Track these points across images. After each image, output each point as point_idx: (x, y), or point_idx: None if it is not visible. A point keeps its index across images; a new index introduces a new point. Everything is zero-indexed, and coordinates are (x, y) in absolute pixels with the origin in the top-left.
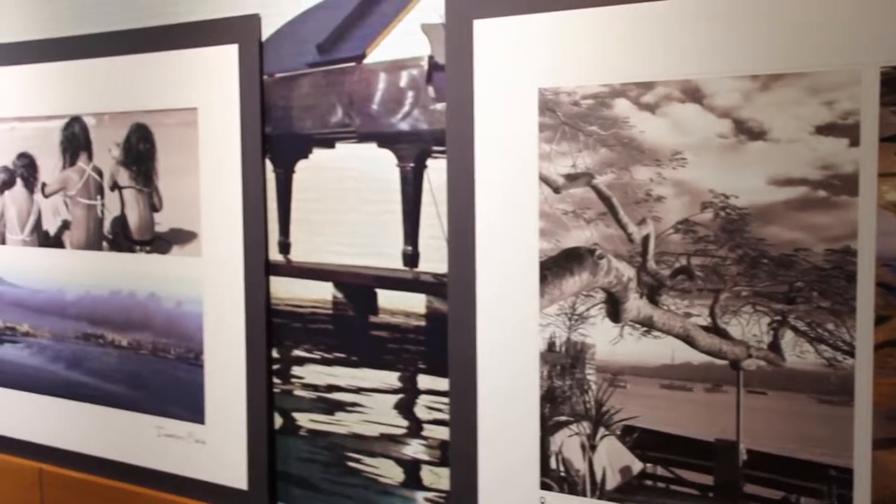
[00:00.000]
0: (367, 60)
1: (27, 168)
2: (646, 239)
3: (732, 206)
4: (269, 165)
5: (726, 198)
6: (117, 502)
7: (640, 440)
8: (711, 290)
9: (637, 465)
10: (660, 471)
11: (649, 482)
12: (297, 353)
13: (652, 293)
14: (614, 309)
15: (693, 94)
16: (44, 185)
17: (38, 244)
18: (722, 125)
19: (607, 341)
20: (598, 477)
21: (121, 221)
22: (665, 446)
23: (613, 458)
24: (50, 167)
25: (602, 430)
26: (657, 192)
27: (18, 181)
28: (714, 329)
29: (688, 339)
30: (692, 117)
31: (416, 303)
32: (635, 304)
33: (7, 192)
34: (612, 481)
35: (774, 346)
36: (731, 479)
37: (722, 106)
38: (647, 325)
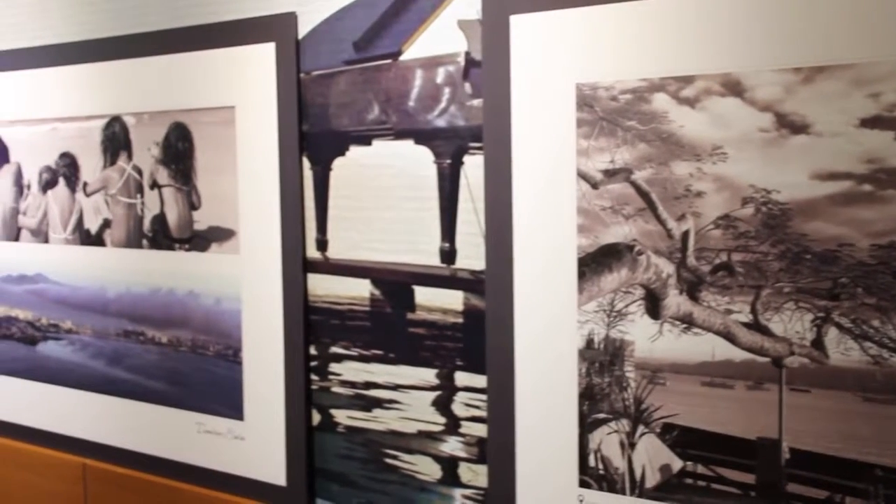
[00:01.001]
0: (403, 57)
1: (69, 167)
2: (685, 235)
3: (774, 202)
4: (306, 163)
5: (768, 193)
6: (158, 497)
7: (680, 438)
8: (753, 287)
9: (677, 464)
10: (700, 469)
11: (689, 480)
12: (335, 349)
13: (692, 289)
14: (653, 305)
15: (733, 87)
16: (85, 184)
17: (80, 242)
18: (763, 119)
19: (646, 338)
20: (638, 475)
21: (160, 219)
22: (705, 444)
23: (653, 456)
24: (91, 166)
25: (641, 428)
26: (697, 188)
27: (61, 181)
28: (755, 326)
29: (728, 336)
30: (733, 111)
31: (453, 300)
32: (675, 301)
33: (50, 192)
34: (652, 479)
35: (818, 344)
36: (773, 478)
37: (763, 99)
38: (687, 322)
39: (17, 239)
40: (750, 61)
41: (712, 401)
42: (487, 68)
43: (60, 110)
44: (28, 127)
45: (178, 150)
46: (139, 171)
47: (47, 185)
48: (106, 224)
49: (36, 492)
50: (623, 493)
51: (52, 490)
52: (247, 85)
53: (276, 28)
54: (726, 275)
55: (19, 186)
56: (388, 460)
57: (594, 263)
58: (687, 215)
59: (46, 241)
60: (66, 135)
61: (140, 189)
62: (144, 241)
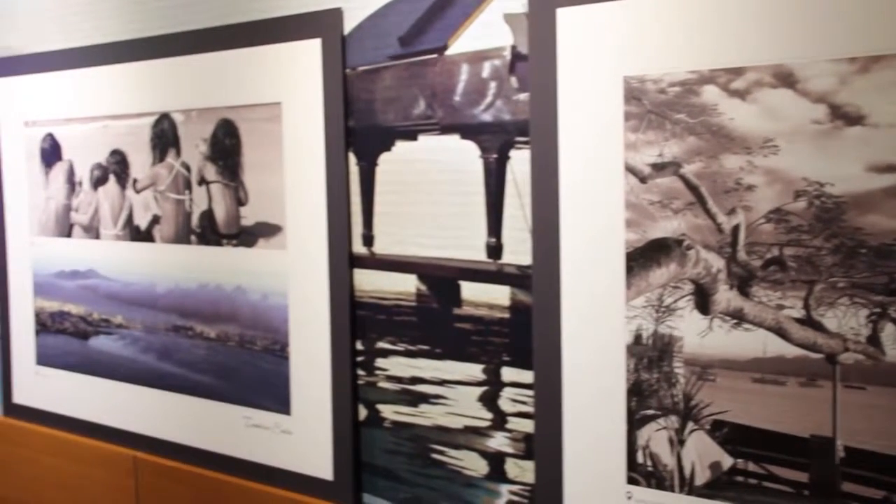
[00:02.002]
0: (449, 52)
1: (119, 165)
2: (736, 229)
3: (828, 195)
4: (352, 158)
5: (821, 186)
6: (207, 490)
7: (731, 435)
8: (805, 282)
9: (727, 461)
10: (751, 467)
11: (740, 478)
12: (381, 345)
13: (742, 284)
14: (703, 301)
15: (786, 78)
16: (135, 180)
17: (130, 238)
18: (816, 110)
19: (696, 334)
20: (687, 472)
21: (208, 215)
22: (757, 442)
23: (703, 453)
24: (140, 163)
25: (691, 425)
26: (748, 181)
27: (111, 177)
28: (808, 321)
29: (780, 332)
30: (785, 103)
31: (499, 295)
32: (725, 296)
33: (101, 189)
34: (702, 477)
35: (874, 340)
36: (827, 477)
37: (816, 90)
38: (738, 318)
39: (69, 235)
40: (803, 51)
41: (764, 398)
42: (534, 62)
43: (111, 108)
44: (80, 125)
45: (226, 146)
46: (187, 168)
47: (98, 182)
48: (155, 220)
49: (89, 483)
50: (672, 490)
51: (104, 482)
52: (293, 81)
53: (321, 24)
54: (778, 269)
55: (71, 183)
56: (435, 455)
57: (642, 258)
58: (737, 209)
59: (97, 237)
60: (117, 132)
61: (188, 185)
62: (193, 237)
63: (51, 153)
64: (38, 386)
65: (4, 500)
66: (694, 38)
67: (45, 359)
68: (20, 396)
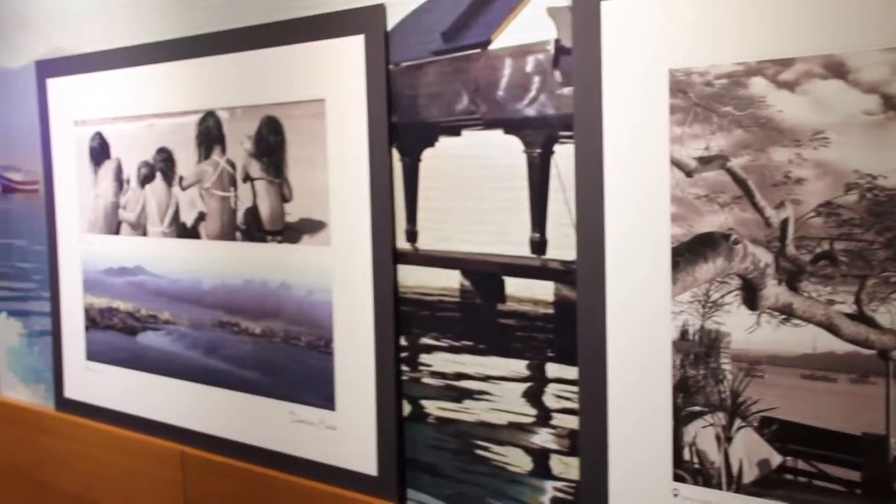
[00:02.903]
0: (492, 46)
1: (166, 162)
2: (784, 223)
3: (880, 187)
4: (395, 154)
5: (873, 178)
6: (253, 485)
7: (780, 432)
8: (857, 277)
9: (776, 459)
10: (801, 465)
11: (790, 476)
12: (425, 340)
13: (791, 279)
14: (751, 296)
15: (836, 69)
16: (181, 178)
17: (176, 235)
18: (869, 101)
19: (743, 329)
20: (735, 469)
21: (253, 212)
22: (807, 439)
23: (750, 451)
24: (186, 161)
25: (738, 422)
26: (797, 174)
27: (158, 175)
28: (860, 317)
29: (831, 328)
30: (835, 94)
31: (543, 290)
32: (773, 291)
33: (148, 186)
34: (750, 474)
35: None
36: (881, 476)
37: (869, 81)
38: (787, 313)
39: (117, 232)
40: (854, 41)
41: (814, 394)
42: (578, 56)
43: (157, 107)
44: (127, 124)
45: (270, 143)
46: (232, 165)
47: (145, 180)
48: (201, 217)
49: (137, 477)
50: (719, 487)
51: (152, 475)
52: (336, 78)
53: (365, 20)
54: (828, 264)
55: (119, 181)
56: (479, 451)
57: (689, 253)
58: (786, 203)
59: (145, 234)
60: (163, 130)
61: (233, 182)
62: (238, 234)
63: (99, 152)
64: (88, 381)
65: (57, 492)
66: (741, 30)
67: (94, 354)
68: (71, 391)
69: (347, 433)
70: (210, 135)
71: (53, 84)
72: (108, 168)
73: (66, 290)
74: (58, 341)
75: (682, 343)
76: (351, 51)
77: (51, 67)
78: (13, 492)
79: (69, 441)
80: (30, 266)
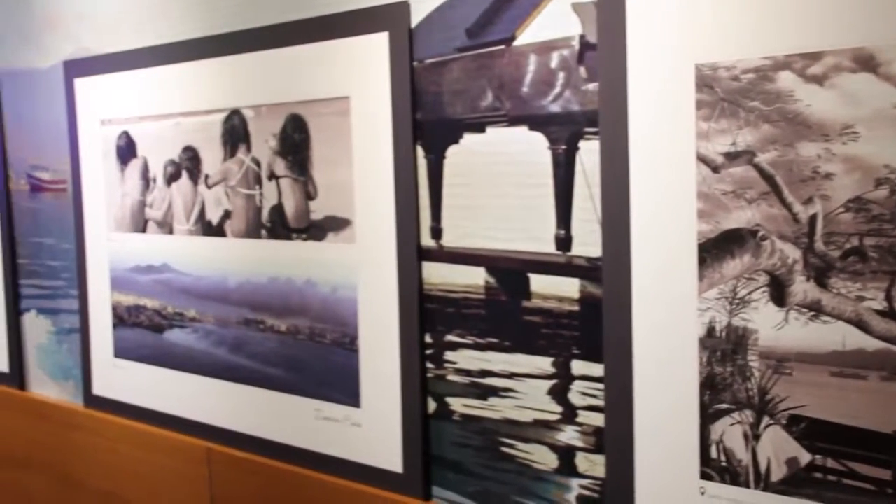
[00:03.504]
0: (516, 43)
1: (191, 161)
2: (813, 218)
3: None
4: (420, 151)
5: None
6: (279, 482)
7: (808, 430)
8: (887, 273)
9: (805, 457)
10: (830, 463)
11: (819, 475)
12: (450, 338)
13: (820, 276)
14: (779, 292)
15: (866, 62)
16: (207, 176)
17: (202, 233)
18: None
19: (771, 326)
20: (763, 468)
21: (278, 210)
22: (836, 437)
23: (779, 449)
24: (212, 159)
25: (766, 419)
26: (825, 169)
27: (184, 173)
28: (890, 314)
29: (860, 325)
30: (865, 88)
31: (569, 287)
32: (801, 288)
33: (174, 184)
34: (778, 473)
35: None
36: None
37: None
38: (815, 310)
39: (144, 230)
40: (884, 34)
41: (843, 392)
42: (603, 51)
43: (183, 105)
44: (153, 123)
45: (295, 141)
46: (258, 163)
47: (171, 178)
48: (226, 215)
49: (164, 473)
50: (747, 485)
51: (178, 471)
52: (361, 75)
53: (389, 17)
54: (858, 260)
55: (146, 180)
56: (504, 449)
57: (715, 249)
58: (814, 198)
59: (171, 232)
60: (189, 129)
61: (258, 180)
62: (263, 232)
63: (126, 151)
64: (116, 378)
65: (85, 488)
66: (768, 23)
67: (122, 351)
68: (99, 388)
69: (372, 430)
70: (235, 133)
71: (81, 84)
72: (134, 167)
73: (93, 288)
74: (86, 339)
75: (709, 340)
76: (375, 48)
77: (78, 67)
78: (44, 487)
79: (97, 437)
80: (58, 264)
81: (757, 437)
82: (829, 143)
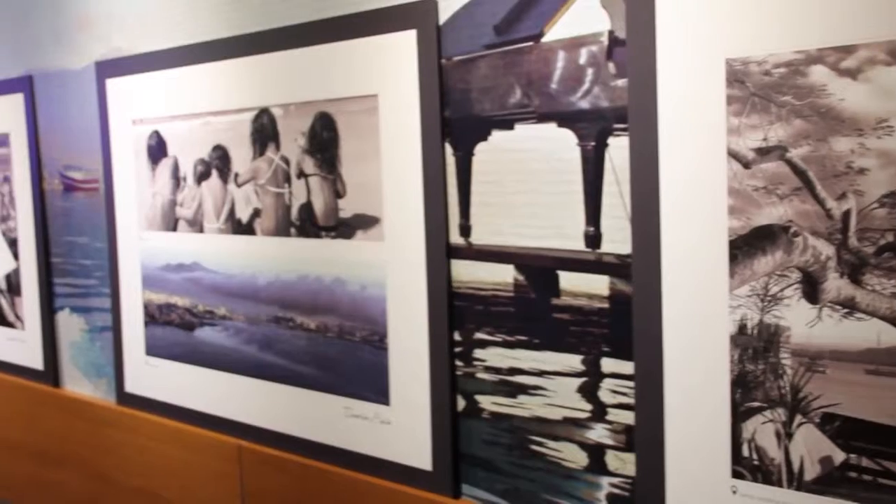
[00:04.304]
0: (545, 39)
1: (221, 159)
2: (846, 214)
3: None
4: (448, 149)
5: None
6: (309, 479)
7: (843, 429)
8: None
9: (839, 456)
10: (865, 462)
11: (853, 474)
12: (479, 335)
13: (854, 272)
14: (811, 289)
15: None
16: (236, 175)
17: (231, 232)
18: None
19: (804, 324)
20: (795, 466)
21: (307, 208)
22: (871, 436)
23: (812, 448)
24: (241, 158)
25: (799, 418)
26: (859, 164)
27: (214, 172)
28: None
29: None
30: None
31: (598, 284)
32: (835, 284)
33: (204, 183)
34: (812, 472)
35: None
36: None
37: None
38: (849, 307)
39: (174, 229)
40: None
41: (878, 390)
42: (632, 47)
43: (212, 105)
44: (183, 122)
45: (324, 139)
46: (286, 161)
47: (201, 177)
48: (256, 213)
49: (195, 470)
50: (780, 484)
51: (210, 468)
52: (389, 73)
53: (416, 15)
54: (893, 256)
55: (176, 179)
56: (534, 447)
57: (746, 246)
58: (848, 194)
59: (201, 230)
60: (218, 128)
61: (287, 178)
62: (292, 230)
63: (157, 150)
64: (148, 376)
65: (118, 485)
66: (800, 17)
67: (153, 349)
68: (131, 385)
69: (402, 428)
70: (264, 132)
71: (112, 84)
72: (165, 166)
73: (125, 286)
74: (118, 337)
75: (740, 337)
76: (403, 46)
77: (110, 68)
78: (77, 483)
79: (130, 434)
80: (91, 263)
81: (790, 436)
82: (863, 137)
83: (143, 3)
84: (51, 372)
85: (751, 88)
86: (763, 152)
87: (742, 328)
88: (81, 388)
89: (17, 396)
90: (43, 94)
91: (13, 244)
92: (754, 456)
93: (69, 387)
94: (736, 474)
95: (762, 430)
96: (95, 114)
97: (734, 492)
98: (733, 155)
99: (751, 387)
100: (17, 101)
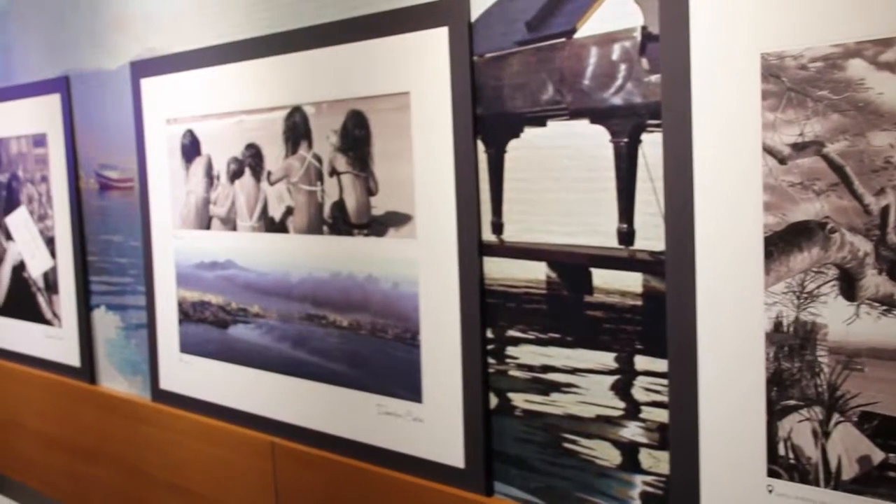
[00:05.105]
0: (577, 35)
1: (254, 158)
2: (885, 210)
3: None
4: (480, 146)
5: None
6: (342, 476)
7: (881, 428)
8: None
9: (878, 455)
10: None
11: (893, 473)
12: (512, 333)
13: (893, 269)
14: (849, 286)
15: None
16: (269, 173)
17: (264, 230)
18: None
19: (841, 321)
20: (833, 466)
21: (339, 206)
22: None
23: (850, 447)
24: (274, 156)
25: (836, 416)
26: None
27: (247, 171)
28: None
29: None
30: None
31: (632, 282)
32: (873, 281)
33: (237, 182)
34: (849, 471)
35: None
36: None
37: None
38: (888, 304)
39: (208, 227)
40: None
41: None
42: (665, 42)
43: (245, 103)
44: (216, 121)
45: (356, 137)
46: (319, 160)
47: (235, 176)
48: (288, 211)
49: (229, 467)
50: (816, 484)
51: (243, 465)
52: (421, 70)
53: (448, 12)
54: None
55: (210, 177)
56: (567, 445)
57: (782, 243)
58: (887, 189)
59: (234, 228)
60: (251, 127)
61: (320, 176)
62: (325, 228)
63: (190, 149)
64: (182, 373)
65: (153, 480)
66: (837, 9)
67: (187, 347)
68: (166, 383)
69: (434, 425)
70: (297, 130)
71: (147, 84)
72: (198, 164)
73: (160, 284)
74: (153, 334)
75: (776, 335)
76: (435, 43)
77: (144, 68)
78: (113, 478)
79: (164, 431)
80: (126, 261)
81: (827, 435)
82: None
83: (178, 3)
84: (87, 369)
85: (786, 83)
86: (799, 147)
87: (778, 325)
88: (117, 384)
89: (55, 393)
90: (79, 94)
91: (50, 243)
92: (790, 455)
93: (105, 383)
94: (772, 473)
95: (798, 428)
96: (130, 113)
97: (770, 491)
98: (769, 150)
99: (787, 385)
100: (54, 101)
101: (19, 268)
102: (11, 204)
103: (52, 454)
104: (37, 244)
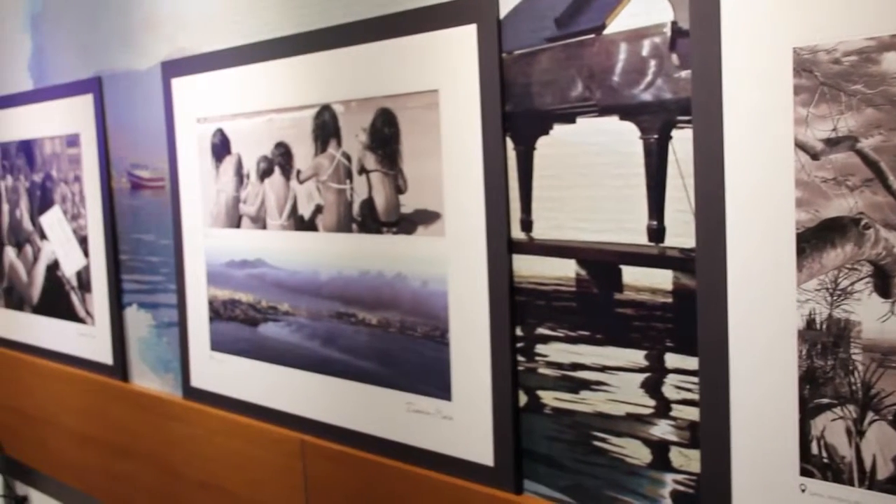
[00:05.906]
0: (606, 31)
1: (283, 156)
2: None
3: None
4: (509, 143)
5: None
6: (371, 474)
7: None
8: None
9: None
10: None
11: None
12: (541, 331)
13: None
14: (883, 283)
15: None
16: (298, 171)
17: (294, 228)
18: None
19: (875, 318)
20: (867, 465)
21: (368, 204)
22: None
23: (885, 446)
24: (303, 154)
25: (871, 415)
26: None
27: (276, 169)
28: None
29: None
30: None
31: (662, 279)
32: None
33: (267, 180)
34: (885, 471)
35: None
36: None
37: None
38: None
39: (238, 226)
40: None
41: None
42: (696, 38)
43: (275, 102)
44: (246, 120)
45: (385, 135)
46: (348, 158)
47: (264, 174)
48: (318, 210)
49: (259, 464)
50: (851, 483)
51: (273, 463)
52: (450, 68)
53: (477, 9)
54: None
55: (240, 176)
56: (596, 443)
57: (815, 239)
58: None
59: (264, 227)
60: (281, 125)
61: (349, 175)
62: (354, 226)
63: (220, 147)
64: (213, 370)
65: (184, 478)
66: (871, 2)
67: (218, 345)
68: (197, 380)
69: (464, 423)
70: (326, 128)
71: (178, 84)
72: (228, 163)
73: (191, 282)
74: (184, 332)
75: (809, 332)
76: (463, 40)
77: (175, 68)
78: (145, 476)
79: (195, 428)
80: (157, 260)
81: (861, 433)
82: None
83: (207, 4)
84: (119, 367)
85: (819, 78)
86: (832, 143)
87: (810, 323)
88: (149, 382)
89: (88, 390)
90: (111, 94)
91: (83, 242)
92: (824, 454)
93: (137, 381)
94: (805, 472)
95: (832, 427)
96: (161, 113)
97: (803, 490)
98: (801, 146)
99: (820, 383)
100: (86, 101)
101: (53, 266)
102: (45, 203)
103: (86, 451)
104: (70, 243)
